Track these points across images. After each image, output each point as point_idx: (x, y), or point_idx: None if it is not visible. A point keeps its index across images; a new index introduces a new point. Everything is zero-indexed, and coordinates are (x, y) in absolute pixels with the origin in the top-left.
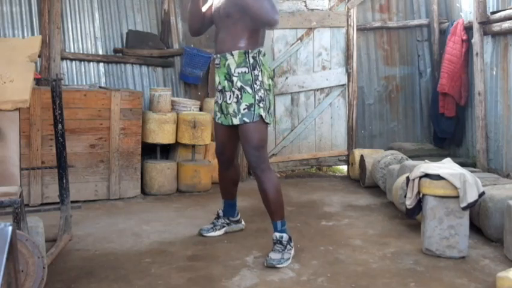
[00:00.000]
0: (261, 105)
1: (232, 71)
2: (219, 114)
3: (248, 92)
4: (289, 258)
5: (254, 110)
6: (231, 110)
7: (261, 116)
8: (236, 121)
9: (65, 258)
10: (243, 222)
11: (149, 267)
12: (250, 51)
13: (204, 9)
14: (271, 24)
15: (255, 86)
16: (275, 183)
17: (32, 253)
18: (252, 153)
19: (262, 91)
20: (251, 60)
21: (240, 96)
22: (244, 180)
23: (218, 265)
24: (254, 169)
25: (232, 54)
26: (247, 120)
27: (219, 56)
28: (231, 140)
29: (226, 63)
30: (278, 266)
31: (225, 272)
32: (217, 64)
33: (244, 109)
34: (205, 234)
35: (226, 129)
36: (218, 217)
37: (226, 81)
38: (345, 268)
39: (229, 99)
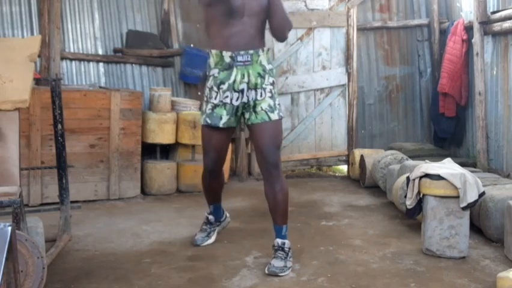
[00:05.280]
0: None
1: (267, 67)
2: (225, 119)
3: (276, 88)
4: (291, 267)
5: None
6: (265, 106)
7: None
8: (274, 116)
9: (65, 259)
10: (227, 215)
11: (149, 267)
12: (269, 48)
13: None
14: (285, 37)
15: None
16: (286, 184)
17: (32, 253)
18: (274, 152)
19: None
20: (270, 58)
21: (273, 91)
22: (244, 180)
23: (218, 265)
24: (271, 168)
25: (263, 51)
26: (282, 115)
27: (250, 52)
28: (225, 146)
29: (259, 59)
30: (280, 274)
31: (225, 272)
32: (243, 62)
33: (278, 104)
34: (203, 244)
35: (225, 135)
36: (209, 223)
37: (259, 78)
38: (345, 268)
39: (261, 95)
